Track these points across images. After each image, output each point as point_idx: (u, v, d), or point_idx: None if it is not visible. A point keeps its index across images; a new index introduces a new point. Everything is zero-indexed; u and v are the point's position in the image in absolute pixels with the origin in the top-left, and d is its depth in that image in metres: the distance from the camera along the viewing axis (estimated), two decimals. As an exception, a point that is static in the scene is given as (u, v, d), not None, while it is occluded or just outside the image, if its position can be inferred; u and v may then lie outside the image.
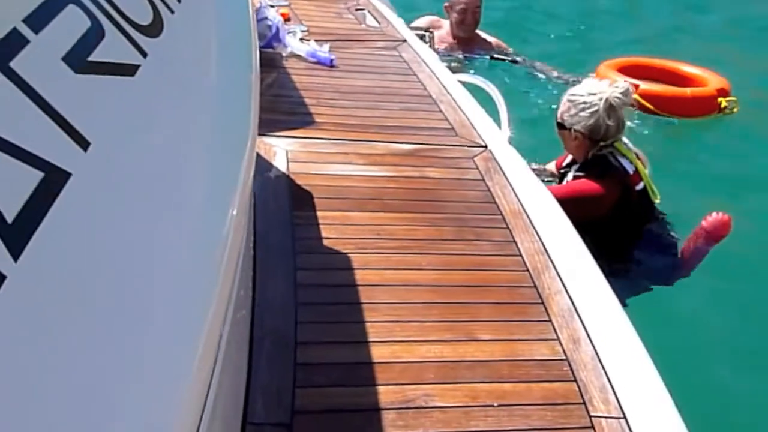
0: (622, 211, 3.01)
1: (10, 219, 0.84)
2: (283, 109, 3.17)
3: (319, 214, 2.51)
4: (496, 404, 1.84)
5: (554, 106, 3.54)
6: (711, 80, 5.20)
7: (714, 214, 3.03)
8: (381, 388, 1.85)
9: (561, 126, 3.08)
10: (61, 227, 0.90)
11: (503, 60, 5.60)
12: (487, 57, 5.62)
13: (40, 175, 0.92)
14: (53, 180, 0.93)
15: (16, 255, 0.82)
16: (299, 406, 1.77)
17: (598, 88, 2.96)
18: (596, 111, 2.91)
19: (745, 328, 2.86)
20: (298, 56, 3.74)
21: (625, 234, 3.07)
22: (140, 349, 0.89)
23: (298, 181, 2.67)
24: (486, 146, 3.07)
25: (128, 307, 0.92)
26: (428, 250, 2.39)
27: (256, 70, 1.78)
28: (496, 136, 3.17)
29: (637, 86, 4.98)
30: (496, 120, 3.53)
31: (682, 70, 5.45)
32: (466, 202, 2.69)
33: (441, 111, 3.35)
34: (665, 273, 3.07)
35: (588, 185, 3.02)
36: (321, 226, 2.44)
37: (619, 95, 2.93)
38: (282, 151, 2.83)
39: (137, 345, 0.89)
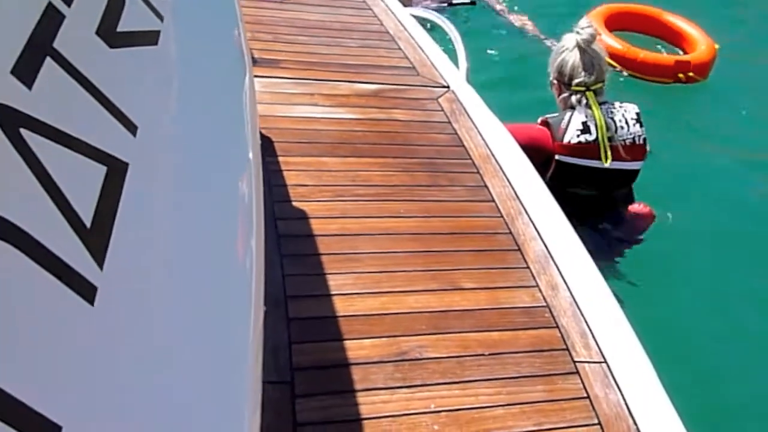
0: (547, 170, 2.86)
1: (88, 223, 0.81)
2: (239, 46, 3.06)
3: (291, 159, 2.47)
4: (486, 353, 1.90)
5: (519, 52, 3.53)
6: (699, 42, 4.89)
7: (637, 204, 2.96)
8: (376, 341, 1.88)
9: (550, 80, 2.96)
10: (132, 222, 0.87)
11: (462, 4, 5.40)
12: (445, 3, 5.39)
13: (103, 169, 0.88)
14: (116, 173, 0.90)
15: (100, 263, 0.79)
16: (297, 362, 1.79)
17: (574, 27, 2.87)
18: (563, 50, 2.86)
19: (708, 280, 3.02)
20: (245, -14, 3.59)
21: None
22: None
23: (266, 125, 2.61)
24: (448, 86, 3.07)
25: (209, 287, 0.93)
26: (405, 197, 2.40)
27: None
28: (457, 76, 3.16)
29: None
30: (451, 55, 3.50)
31: (674, 24, 5.13)
32: (435, 145, 2.70)
33: (400, 49, 3.31)
34: None
35: (525, 131, 2.91)
36: (295, 173, 2.41)
37: (584, 33, 2.82)
38: (245, 92, 2.75)
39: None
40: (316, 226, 2.22)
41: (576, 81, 2.82)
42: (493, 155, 2.67)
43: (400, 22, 3.53)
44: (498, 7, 5.63)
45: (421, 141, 2.71)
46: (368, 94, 2.94)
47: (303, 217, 2.25)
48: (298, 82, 2.92)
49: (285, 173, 2.40)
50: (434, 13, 3.71)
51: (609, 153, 2.79)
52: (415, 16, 3.68)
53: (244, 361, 0.92)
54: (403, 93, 2.99)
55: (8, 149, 0.76)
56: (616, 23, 5.15)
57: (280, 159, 2.46)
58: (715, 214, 3.48)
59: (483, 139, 2.75)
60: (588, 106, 2.81)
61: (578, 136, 2.79)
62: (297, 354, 1.81)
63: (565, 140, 2.80)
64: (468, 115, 2.88)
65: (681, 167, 3.65)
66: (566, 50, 2.84)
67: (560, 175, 2.85)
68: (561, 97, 2.90)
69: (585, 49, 2.81)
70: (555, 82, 2.90)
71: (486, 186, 2.52)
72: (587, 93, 2.80)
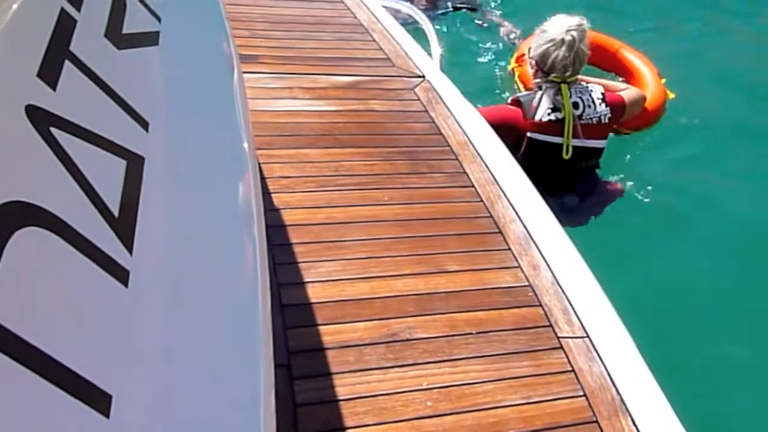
0: (520, 147, 3.00)
1: (116, 212, 0.87)
2: (217, 42, 3.10)
3: (274, 152, 2.53)
4: (474, 332, 1.98)
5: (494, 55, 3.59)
6: (644, 76, 3.99)
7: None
8: (367, 324, 1.95)
9: (530, 57, 3.06)
10: (152, 211, 0.93)
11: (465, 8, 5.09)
12: (450, 9, 5.07)
13: (123, 163, 0.94)
14: (134, 166, 0.95)
15: (129, 248, 0.85)
16: (293, 346, 1.85)
17: (567, 22, 2.96)
18: (551, 40, 2.95)
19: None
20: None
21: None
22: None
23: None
24: (423, 76, 3.14)
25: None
26: (387, 185, 2.47)
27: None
28: (431, 66, 3.24)
29: None
30: (424, 45, 3.57)
31: (620, 53, 4.25)
32: (414, 134, 2.77)
33: (375, 41, 3.37)
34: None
35: (497, 112, 3.05)
36: (279, 165, 2.47)
37: (574, 33, 2.92)
38: (226, 87, 2.79)
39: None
40: (303, 215, 2.28)
41: (553, 75, 2.95)
42: (470, 142, 2.75)
43: (372, 13, 3.59)
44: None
45: (400, 130, 2.78)
46: (346, 86, 3.00)
47: (289, 207, 2.31)
48: (277, 77, 2.97)
49: (269, 166, 2.45)
50: (405, 3, 3.77)
51: (570, 148, 2.95)
52: (386, 8, 3.74)
53: (260, 335, 0.98)
54: (380, 84, 3.05)
55: (42, 147, 0.81)
56: None
57: (263, 152, 2.51)
58: (684, 204, 3.58)
59: (460, 127, 2.83)
60: (559, 94, 2.94)
61: (549, 114, 2.94)
62: (292, 338, 1.88)
63: (537, 118, 2.96)
64: (444, 104, 2.96)
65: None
66: (553, 42, 2.94)
67: (532, 152, 2.99)
68: (536, 80, 3.03)
69: (571, 47, 2.91)
70: (534, 63, 3.02)
71: (465, 172, 2.60)
72: (561, 85, 2.94)
